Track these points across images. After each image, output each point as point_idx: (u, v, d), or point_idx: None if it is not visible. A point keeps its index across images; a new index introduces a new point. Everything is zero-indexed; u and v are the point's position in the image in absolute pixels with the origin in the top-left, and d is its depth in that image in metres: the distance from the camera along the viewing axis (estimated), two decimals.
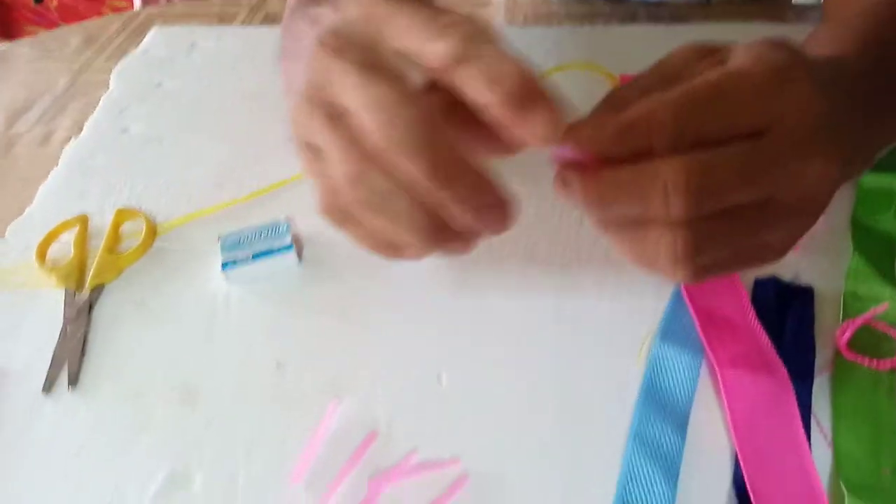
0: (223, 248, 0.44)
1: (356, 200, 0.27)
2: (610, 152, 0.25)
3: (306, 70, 0.27)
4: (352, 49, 0.26)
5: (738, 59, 0.26)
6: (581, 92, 0.57)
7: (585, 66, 0.59)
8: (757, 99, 0.25)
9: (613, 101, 0.27)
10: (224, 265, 0.43)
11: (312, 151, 0.28)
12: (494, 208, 0.26)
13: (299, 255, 0.45)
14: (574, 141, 0.25)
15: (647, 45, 0.62)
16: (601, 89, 0.58)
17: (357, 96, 0.25)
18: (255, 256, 0.43)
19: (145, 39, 0.70)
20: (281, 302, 0.43)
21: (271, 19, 0.73)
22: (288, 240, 0.44)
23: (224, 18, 0.75)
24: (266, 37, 0.67)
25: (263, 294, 0.44)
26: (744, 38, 0.28)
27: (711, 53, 0.27)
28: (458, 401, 0.37)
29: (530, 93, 0.24)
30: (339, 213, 0.29)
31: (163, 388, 0.39)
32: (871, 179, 0.45)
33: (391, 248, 0.30)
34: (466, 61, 0.24)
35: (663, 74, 0.27)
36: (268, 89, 0.60)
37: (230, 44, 0.68)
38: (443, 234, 0.27)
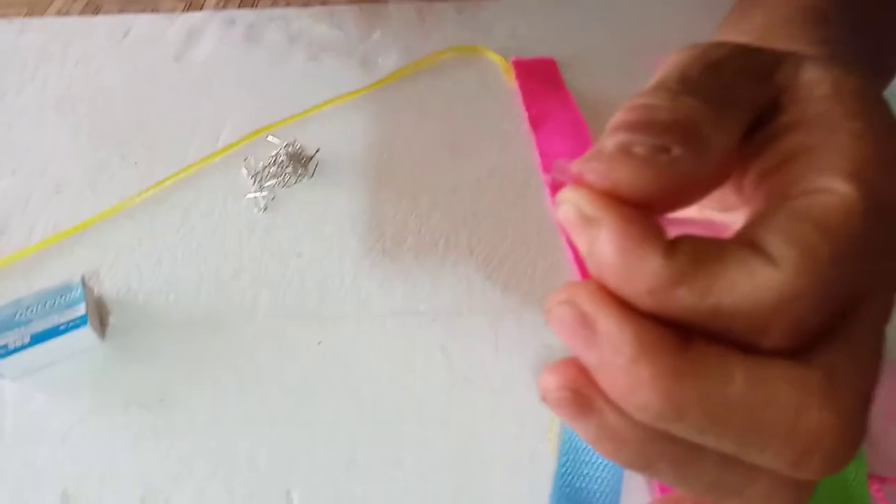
0: None
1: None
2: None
3: None
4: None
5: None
6: (467, 79, 0.48)
7: (470, 49, 0.50)
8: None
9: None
10: None
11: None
12: None
13: (101, 327, 0.34)
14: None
15: (541, 20, 0.54)
16: (491, 75, 0.50)
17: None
18: (35, 338, 0.32)
19: None
20: (73, 399, 0.32)
21: (95, 7, 0.60)
22: (81, 309, 0.33)
23: (36, 8, 0.61)
24: (83, 30, 0.55)
25: (50, 389, 0.32)
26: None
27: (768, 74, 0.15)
28: None
29: None
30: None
31: None
32: None
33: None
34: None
35: (714, 90, 0.14)
36: (80, 97, 0.48)
37: (35, 40, 0.54)
38: None
